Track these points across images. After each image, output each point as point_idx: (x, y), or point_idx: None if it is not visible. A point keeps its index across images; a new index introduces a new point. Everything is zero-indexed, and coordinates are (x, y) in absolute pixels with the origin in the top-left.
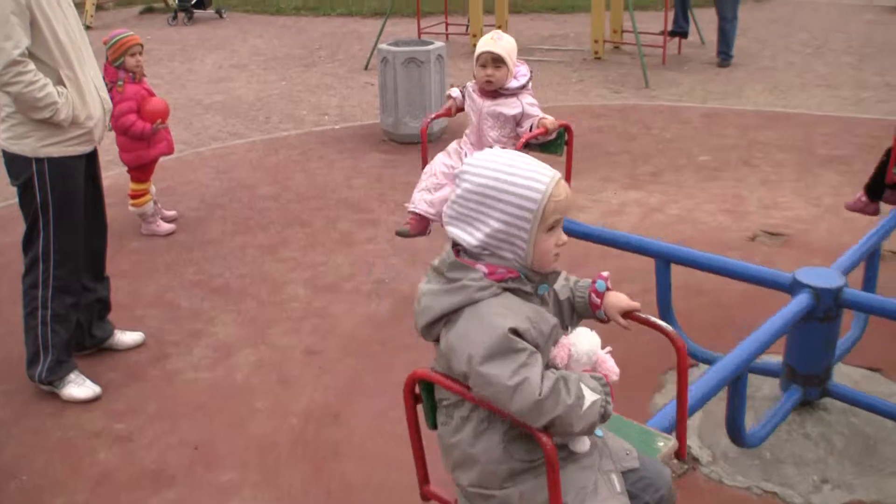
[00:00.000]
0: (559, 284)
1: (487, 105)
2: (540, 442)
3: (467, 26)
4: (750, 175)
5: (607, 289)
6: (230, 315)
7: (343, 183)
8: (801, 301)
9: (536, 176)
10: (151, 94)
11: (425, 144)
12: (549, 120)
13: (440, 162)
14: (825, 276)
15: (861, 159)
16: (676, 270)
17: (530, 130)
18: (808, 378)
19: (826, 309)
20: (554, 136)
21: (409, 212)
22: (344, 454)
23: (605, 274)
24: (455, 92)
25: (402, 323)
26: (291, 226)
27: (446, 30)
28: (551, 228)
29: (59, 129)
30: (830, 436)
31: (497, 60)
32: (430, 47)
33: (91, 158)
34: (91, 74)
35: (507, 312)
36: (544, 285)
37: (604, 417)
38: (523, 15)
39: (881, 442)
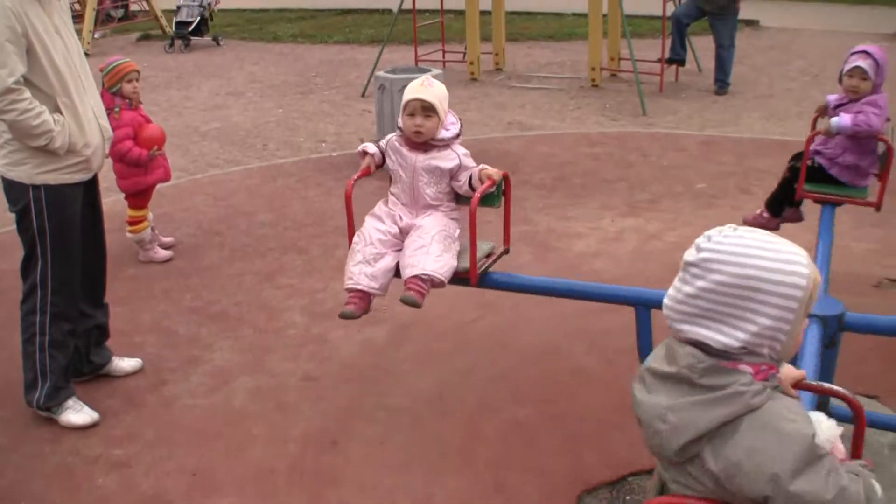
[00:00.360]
0: None
1: (421, 159)
2: None
3: (464, 54)
4: (747, 203)
5: None
6: (228, 342)
7: (340, 210)
8: (815, 332)
9: (795, 258)
10: (148, 121)
11: (351, 212)
12: (493, 171)
13: (373, 228)
14: (824, 303)
15: None
16: None
17: (469, 183)
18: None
19: (832, 335)
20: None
21: (349, 290)
22: (342, 480)
23: None
24: (371, 147)
25: (399, 349)
26: (289, 253)
27: (443, 57)
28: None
29: (55, 157)
30: None
31: (427, 109)
32: (428, 74)
33: (90, 185)
34: (91, 102)
35: (797, 417)
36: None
37: None
38: (520, 42)
39: (877, 468)
